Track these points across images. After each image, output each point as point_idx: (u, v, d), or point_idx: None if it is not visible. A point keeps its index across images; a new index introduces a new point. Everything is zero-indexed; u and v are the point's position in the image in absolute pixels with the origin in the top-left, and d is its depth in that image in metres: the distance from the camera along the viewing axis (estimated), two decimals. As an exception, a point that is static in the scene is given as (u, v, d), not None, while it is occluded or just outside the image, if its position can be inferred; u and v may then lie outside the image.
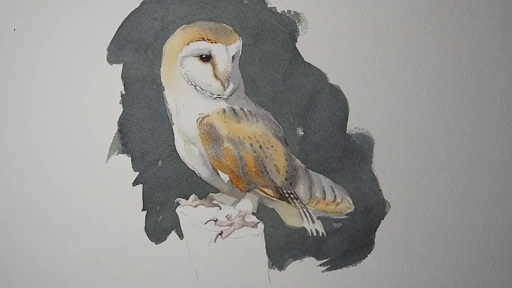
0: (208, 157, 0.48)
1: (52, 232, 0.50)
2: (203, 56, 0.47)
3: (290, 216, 0.50)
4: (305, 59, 0.49)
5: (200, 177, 0.49)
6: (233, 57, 0.47)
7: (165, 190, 0.49)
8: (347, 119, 0.49)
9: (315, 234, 0.50)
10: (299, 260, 0.50)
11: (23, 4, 0.48)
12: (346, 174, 0.50)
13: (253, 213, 0.50)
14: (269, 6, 0.48)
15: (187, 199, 0.50)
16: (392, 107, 0.49)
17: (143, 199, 0.49)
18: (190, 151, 0.49)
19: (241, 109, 0.48)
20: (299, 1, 0.48)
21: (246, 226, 0.50)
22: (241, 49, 0.48)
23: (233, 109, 0.48)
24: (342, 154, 0.49)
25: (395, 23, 0.49)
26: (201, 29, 0.47)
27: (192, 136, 0.48)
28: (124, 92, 0.49)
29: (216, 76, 0.47)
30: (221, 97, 0.48)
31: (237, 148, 0.48)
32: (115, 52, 0.48)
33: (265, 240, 0.50)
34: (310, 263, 0.50)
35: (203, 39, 0.47)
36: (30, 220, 0.50)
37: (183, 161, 0.49)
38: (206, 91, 0.48)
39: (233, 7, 0.48)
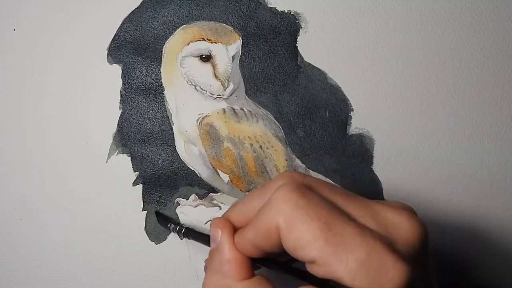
0: (208, 157, 0.48)
1: (52, 232, 0.50)
2: (203, 56, 0.47)
3: (290, 216, 0.50)
4: (305, 59, 0.49)
5: (200, 177, 0.49)
6: (233, 57, 0.47)
7: (165, 190, 0.49)
8: (347, 119, 0.49)
9: (315, 234, 0.50)
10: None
11: (23, 4, 0.48)
12: (346, 175, 0.50)
13: (253, 213, 0.50)
14: (269, 6, 0.48)
15: (187, 199, 0.50)
16: (393, 107, 0.49)
17: (143, 199, 0.49)
18: (190, 151, 0.49)
19: (241, 109, 0.48)
20: (300, 1, 0.48)
21: (246, 226, 0.50)
22: (241, 49, 0.48)
23: (233, 109, 0.48)
24: (343, 154, 0.49)
25: (395, 22, 0.49)
26: (201, 29, 0.47)
27: (192, 136, 0.48)
28: (124, 92, 0.49)
29: (216, 76, 0.47)
30: (221, 97, 0.48)
31: (237, 148, 0.48)
32: (115, 52, 0.48)
33: (265, 240, 0.50)
34: (310, 263, 0.50)
35: (203, 39, 0.47)
36: (30, 220, 0.49)
37: (183, 161, 0.49)
38: (206, 91, 0.48)
39: (233, 7, 0.48)
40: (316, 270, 0.31)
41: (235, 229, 0.36)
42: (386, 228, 0.31)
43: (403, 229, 0.31)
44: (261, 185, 0.35)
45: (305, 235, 0.30)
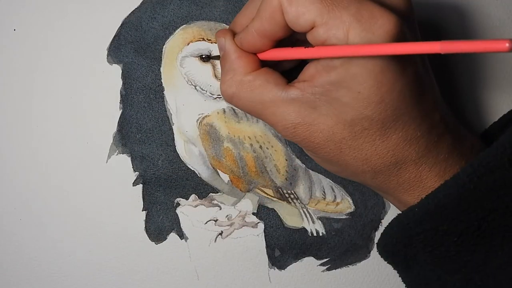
0: (208, 157, 0.48)
1: (52, 232, 0.50)
2: (203, 56, 0.47)
3: (290, 216, 0.50)
4: (305, 59, 0.49)
5: (200, 177, 0.49)
6: (233, 57, 0.47)
7: (165, 190, 0.49)
8: (347, 119, 0.49)
9: (315, 234, 0.50)
10: (299, 260, 0.50)
11: (23, 4, 0.48)
12: (346, 174, 0.50)
13: (253, 213, 0.50)
14: (269, 6, 0.48)
15: (187, 199, 0.50)
16: (392, 107, 0.49)
17: (143, 199, 0.49)
18: (190, 151, 0.49)
19: (241, 109, 0.48)
20: (299, 1, 0.48)
21: (246, 226, 0.50)
22: (241, 49, 0.48)
23: (233, 109, 0.48)
24: (342, 154, 0.49)
25: (395, 23, 0.49)
26: (201, 29, 0.47)
27: (192, 136, 0.48)
28: (124, 92, 0.49)
29: (216, 76, 0.47)
30: (221, 97, 0.48)
31: (237, 148, 0.48)
32: (115, 52, 0.48)
33: (265, 240, 0.50)
34: (310, 263, 0.50)
35: (203, 39, 0.47)
36: (30, 220, 0.49)
37: (183, 161, 0.49)
38: (206, 91, 0.48)
39: (232, 7, 0.48)
40: (316, 34, 0.35)
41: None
42: None
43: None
44: None
45: (304, 2, 0.34)
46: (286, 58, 0.39)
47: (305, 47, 0.36)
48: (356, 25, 0.33)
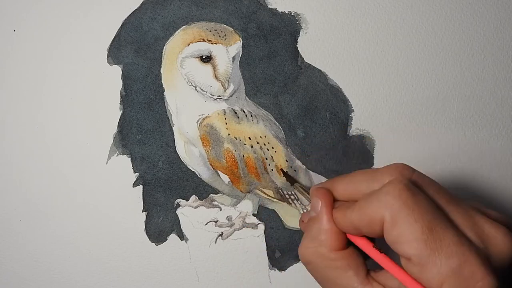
0: (208, 158, 0.48)
1: (53, 233, 0.50)
2: (204, 57, 0.47)
3: (290, 217, 0.50)
4: (305, 60, 0.49)
5: (201, 178, 0.49)
6: (233, 58, 0.47)
7: (165, 191, 0.49)
8: (348, 120, 0.49)
9: (315, 235, 0.50)
10: (299, 261, 0.50)
11: (23, 5, 0.48)
12: (346, 175, 0.50)
13: (253, 214, 0.50)
14: (269, 7, 0.48)
15: (187, 200, 0.50)
16: (393, 108, 0.49)
17: (143, 200, 0.49)
18: (191, 152, 0.49)
19: (242, 110, 0.48)
20: (300, 2, 0.48)
21: (247, 227, 0.50)
22: (241, 50, 0.48)
23: (234, 110, 0.48)
24: (343, 155, 0.49)
25: (395, 23, 0.49)
26: (201, 30, 0.47)
27: (192, 137, 0.48)
28: (124, 93, 0.49)
29: (216, 77, 0.47)
30: (221, 98, 0.48)
31: (237, 149, 0.48)
32: (115, 53, 0.48)
33: (266, 241, 0.50)
34: (310, 264, 0.50)
35: (204, 40, 0.47)
36: (30, 221, 0.49)
37: (183, 162, 0.49)
38: (207, 92, 0.48)
39: (233, 8, 0.48)
40: (410, 268, 0.32)
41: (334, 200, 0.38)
42: (482, 240, 0.33)
43: (498, 244, 0.33)
44: (369, 169, 0.39)
45: (407, 233, 0.32)
46: (372, 258, 0.37)
47: (397, 267, 0.34)
48: (452, 280, 0.30)
